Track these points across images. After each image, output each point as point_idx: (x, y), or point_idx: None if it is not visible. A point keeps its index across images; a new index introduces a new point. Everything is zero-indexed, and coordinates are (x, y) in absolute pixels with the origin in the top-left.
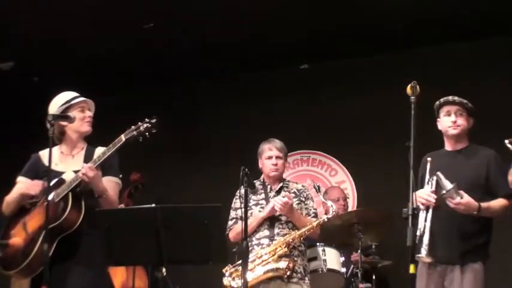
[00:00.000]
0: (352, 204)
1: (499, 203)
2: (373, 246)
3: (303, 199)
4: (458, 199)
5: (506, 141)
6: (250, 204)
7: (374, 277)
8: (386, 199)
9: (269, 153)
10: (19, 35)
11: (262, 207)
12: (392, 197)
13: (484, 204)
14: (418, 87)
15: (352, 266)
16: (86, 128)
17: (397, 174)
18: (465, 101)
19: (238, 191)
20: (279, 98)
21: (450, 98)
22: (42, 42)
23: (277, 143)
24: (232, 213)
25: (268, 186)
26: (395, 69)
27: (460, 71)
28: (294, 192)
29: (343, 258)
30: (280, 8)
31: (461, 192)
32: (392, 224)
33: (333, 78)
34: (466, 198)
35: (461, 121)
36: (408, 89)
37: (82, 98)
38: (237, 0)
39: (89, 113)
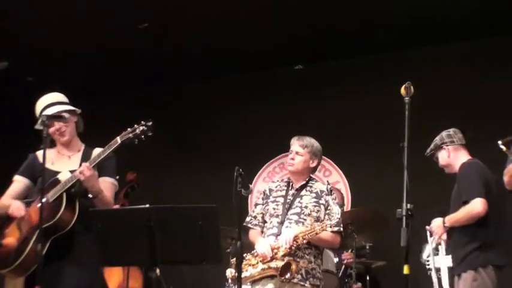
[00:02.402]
0: (346, 205)
1: (461, 211)
2: (367, 247)
3: (323, 202)
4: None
5: (500, 142)
6: (268, 200)
7: (368, 278)
8: (380, 200)
9: (291, 147)
10: (14, 36)
11: (277, 205)
12: (386, 197)
13: (446, 218)
14: (412, 87)
15: (343, 266)
16: (60, 139)
17: (391, 175)
18: (431, 149)
19: (267, 187)
20: (274, 98)
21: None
22: (36, 43)
23: (303, 139)
24: (253, 209)
25: (291, 184)
26: (389, 70)
27: (453, 72)
28: (316, 193)
29: (337, 259)
30: (275, 9)
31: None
32: (387, 225)
33: (327, 79)
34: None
35: (440, 161)
36: (402, 90)
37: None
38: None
39: (57, 126)
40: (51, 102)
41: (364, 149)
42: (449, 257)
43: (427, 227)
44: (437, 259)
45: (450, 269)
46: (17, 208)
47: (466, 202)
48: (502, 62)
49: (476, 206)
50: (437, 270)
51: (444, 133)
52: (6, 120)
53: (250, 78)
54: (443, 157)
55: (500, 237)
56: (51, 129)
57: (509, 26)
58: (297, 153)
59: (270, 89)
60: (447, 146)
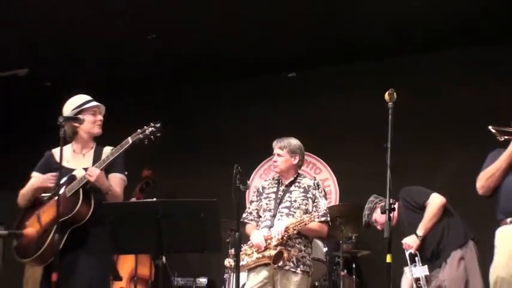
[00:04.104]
0: (334, 199)
1: (427, 212)
2: (353, 238)
3: (311, 196)
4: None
5: (491, 126)
6: (262, 197)
7: (354, 266)
8: (365, 195)
9: (274, 151)
10: (34, 45)
11: (269, 200)
12: (371, 193)
13: (417, 230)
14: (395, 94)
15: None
16: (97, 130)
17: (376, 173)
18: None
19: (260, 185)
20: (271, 103)
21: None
22: (54, 51)
23: (281, 141)
24: (248, 206)
25: (281, 181)
26: (375, 78)
27: (432, 78)
28: (304, 188)
29: (326, 249)
30: (273, 24)
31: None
32: None
33: (317, 85)
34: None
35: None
36: (386, 96)
37: (95, 103)
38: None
39: (100, 117)
40: (92, 99)
41: (351, 149)
42: (425, 266)
43: (403, 243)
44: (415, 270)
45: (427, 277)
46: (43, 179)
47: (425, 203)
48: (478, 69)
49: (436, 198)
50: (417, 280)
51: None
52: (26, 121)
53: (249, 83)
54: (379, 216)
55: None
56: (95, 120)
57: (485, 37)
58: (278, 155)
59: (267, 93)
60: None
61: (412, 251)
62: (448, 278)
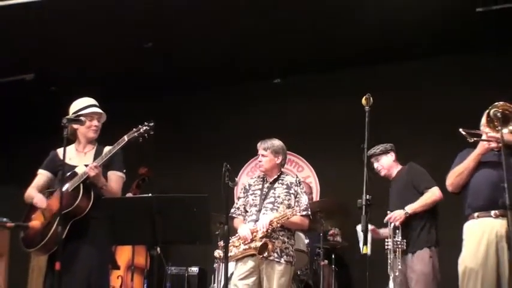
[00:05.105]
0: (315, 196)
1: (425, 197)
2: (333, 230)
3: (293, 192)
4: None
5: (461, 129)
6: (248, 193)
7: (333, 256)
8: (344, 191)
9: (258, 152)
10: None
11: (255, 196)
12: (349, 189)
13: (407, 207)
14: (371, 98)
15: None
16: (91, 134)
17: (354, 171)
18: (371, 152)
19: (247, 183)
20: (257, 107)
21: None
22: (59, 58)
23: (264, 142)
24: (236, 201)
25: (266, 179)
26: (354, 83)
27: (405, 85)
28: (287, 185)
29: (307, 241)
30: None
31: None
32: (349, 213)
33: (300, 91)
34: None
35: (378, 166)
36: (363, 100)
37: (91, 109)
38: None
39: (95, 123)
40: (93, 104)
41: (331, 149)
42: (404, 240)
43: (390, 216)
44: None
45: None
46: (40, 200)
47: (426, 190)
48: (446, 78)
49: (436, 191)
50: (394, 251)
51: (389, 145)
52: (33, 123)
53: (238, 90)
54: (388, 160)
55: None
56: (91, 124)
57: (453, 48)
58: (262, 155)
59: (254, 98)
60: (391, 152)
61: (397, 223)
62: (419, 271)
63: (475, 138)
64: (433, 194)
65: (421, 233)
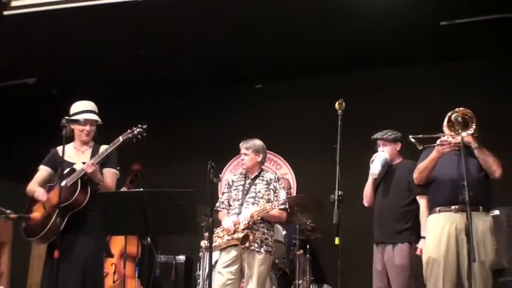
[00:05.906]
0: (292, 191)
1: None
2: (308, 223)
3: (272, 187)
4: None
5: (411, 136)
6: (231, 189)
7: (308, 246)
8: (318, 187)
9: (241, 151)
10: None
11: (238, 192)
12: (323, 186)
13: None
14: (344, 103)
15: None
16: (84, 137)
17: (327, 169)
18: (380, 135)
19: (230, 179)
20: (240, 110)
21: (375, 136)
22: (59, 63)
23: (246, 142)
24: (220, 196)
25: (247, 175)
26: (328, 89)
27: (376, 90)
28: (267, 181)
29: (285, 232)
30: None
31: None
32: (323, 207)
33: (279, 95)
34: None
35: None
36: (336, 105)
37: (85, 115)
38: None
39: (88, 127)
40: (89, 109)
41: (307, 149)
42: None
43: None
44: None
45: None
46: (41, 193)
47: (418, 196)
48: (415, 85)
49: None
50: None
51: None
52: (35, 124)
53: (223, 93)
54: (393, 149)
55: None
56: (83, 129)
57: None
58: (244, 154)
59: (237, 102)
60: (399, 143)
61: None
62: (398, 263)
63: (423, 145)
64: (423, 206)
65: (404, 226)
